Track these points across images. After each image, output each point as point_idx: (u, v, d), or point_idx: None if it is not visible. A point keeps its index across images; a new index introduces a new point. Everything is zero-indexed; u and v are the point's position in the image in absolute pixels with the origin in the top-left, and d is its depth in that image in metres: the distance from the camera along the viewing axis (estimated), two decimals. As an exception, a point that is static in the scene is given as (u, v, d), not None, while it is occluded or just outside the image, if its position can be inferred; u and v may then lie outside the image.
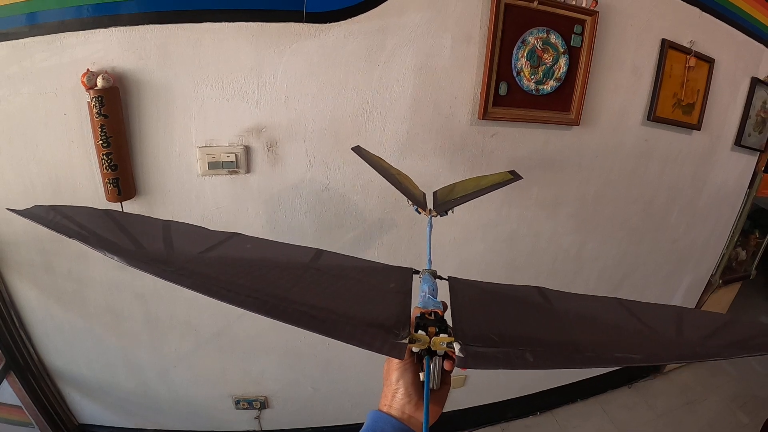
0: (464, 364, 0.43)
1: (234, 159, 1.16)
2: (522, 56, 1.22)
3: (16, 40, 1.00)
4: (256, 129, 1.16)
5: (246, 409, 1.63)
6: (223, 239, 0.50)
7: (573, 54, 1.27)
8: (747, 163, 1.88)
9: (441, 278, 0.64)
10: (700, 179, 1.76)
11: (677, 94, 1.50)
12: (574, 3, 1.22)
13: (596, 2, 1.23)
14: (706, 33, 1.47)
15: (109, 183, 1.10)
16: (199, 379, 1.55)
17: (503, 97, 1.24)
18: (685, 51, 1.44)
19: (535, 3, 1.18)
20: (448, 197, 0.97)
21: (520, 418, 1.97)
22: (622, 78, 1.39)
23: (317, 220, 1.30)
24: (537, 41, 1.22)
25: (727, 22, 1.51)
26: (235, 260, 0.49)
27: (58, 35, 1.01)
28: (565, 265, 1.68)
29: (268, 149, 1.18)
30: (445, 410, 0.53)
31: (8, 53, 1.01)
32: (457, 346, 0.43)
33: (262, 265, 0.50)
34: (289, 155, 1.20)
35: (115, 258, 0.37)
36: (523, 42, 1.21)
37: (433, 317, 0.49)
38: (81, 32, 1.01)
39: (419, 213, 0.90)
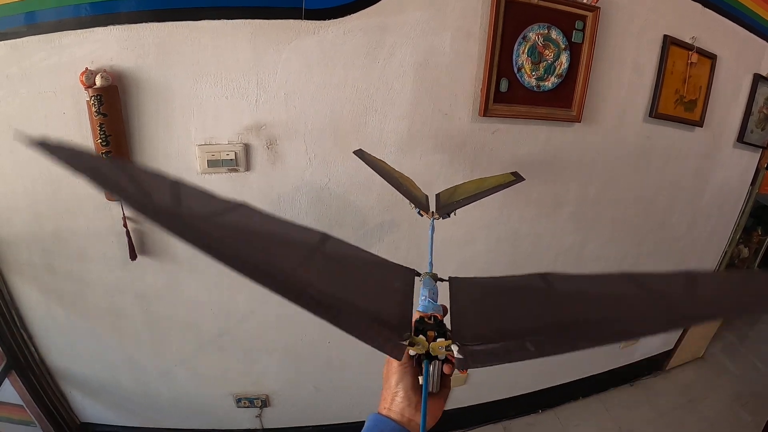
0: (464, 365, 0.43)
1: (233, 157, 1.15)
2: (523, 52, 1.21)
3: (15, 40, 1.00)
4: (255, 127, 1.15)
5: (247, 407, 1.63)
6: (231, 207, 0.48)
7: (574, 50, 1.26)
8: (749, 160, 1.87)
9: (442, 280, 0.64)
10: (702, 176, 1.75)
11: (679, 90, 1.48)
12: (575, -1, 1.21)
13: (597, -2, 1.22)
14: (709, 29, 1.46)
15: (109, 182, 1.10)
16: (200, 378, 1.55)
17: (504, 93, 1.23)
18: (688, 47, 1.43)
19: (536, -1, 1.17)
20: (450, 200, 0.97)
21: (522, 416, 1.97)
22: (623, 74, 1.38)
23: (317, 218, 1.29)
24: (538, 37, 1.21)
25: (729, 18, 1.50)
26: (242, 228, 0.46)
27: (57, 34, 1.00)
28: (567, 266, 1.67)
29: (267, 147, 1.18)
30: (446, 408, 0.53)
31: (6, 53, 1.00)
32: (455, 348, 0.43)
33: (269, 238, 0.48)
34: (288, 153, 1.20)
35: (125, 202, 0.35)
36: (524, 38, 1.20)
37: (432, 321, 0.49)
38: (79, 31, 1.01)
39: (422, 216, 0.90)
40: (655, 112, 1.46)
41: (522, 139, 1.34)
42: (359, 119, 1.19)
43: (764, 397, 2.12)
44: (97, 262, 1.27)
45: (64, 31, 1.00)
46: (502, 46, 1.19)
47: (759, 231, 2.15)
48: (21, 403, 1.46)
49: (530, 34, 1.20)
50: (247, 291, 1.37)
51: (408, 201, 0.91)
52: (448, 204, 0.95)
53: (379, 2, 1.09)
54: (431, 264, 0.75)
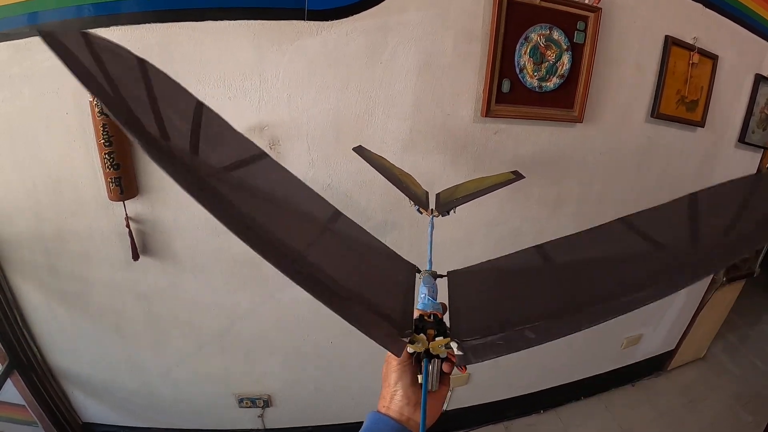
0: (465, 360, 0.43)
1: (236, 158, 1.15)
2: (525, 53, 1.21)
3: (17, 41, 1.00)
4: (258, 127, 1.15)
5: (249, 407, 1.63)
6: (252, 157, 0.47)
7: (576, 51, 1.26)
8: (751, 160, 1.87)
9: (441, 276, 0.63)
10: (703, 177, 1.75)
11: (681, 90, 1.48)
12: (577, -1, 1.21)
13: (599, -2, 1.22)
14: (710, 29, 1.46)
15: (112, 182, 1.10)
16: (202, 378, 1.55)
17: (506, 94, 1.24)
18: (689, 47, 1.43)
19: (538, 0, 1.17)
20: (450, 198, 0.97)
21: (523, 417, 1.97)
22: (625, 75, 1.38)
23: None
24: (540, 38, 1.21)
25: (730, 19, 1.50)
26: (258, 191, 0.45)
27: (60, 35, 1.00)
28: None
29: (270, 148, 1.18)
30: (448, 408, 0.53)
31: (9, 54, 1.01)
32: (454, 345, 0.43)
33: (284, 205, 0.47)
34: (291, 154, 1.20)
35: (136, 141, 0.31)
36: (526, 39, 1.20)
37: (432, 320, 0.49)
38: (82, 32, 1.01)
39: (421, 213, 0.90)
40: (656, 113, 1.46)
41: (524, 140, 1.34)
42: (361, 120, 1.19)
43: (765, 397, 2.12)
44: (99, 263, 1.27)
45: (67, 32, 1.00)
46: (504, 47, 1.19)
47: (760, 231, 2.15)
48: (23, 403, 1.46)
49: (532, 34, 1.20)
50: (249, 291, 1.38)
51: (408, 199, 0.91)
52: (447, 202, 0.95)
53: (382, 3, 1.09)
54: (431, 262, 0.74)
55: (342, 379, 1.63)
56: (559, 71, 1.26)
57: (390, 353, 0.46)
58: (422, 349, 0.45)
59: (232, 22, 1.05)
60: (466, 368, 0.46)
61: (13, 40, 1.00)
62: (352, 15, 1.09)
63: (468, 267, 0.59)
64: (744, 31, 1.54)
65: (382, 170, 0.97)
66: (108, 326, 1.40)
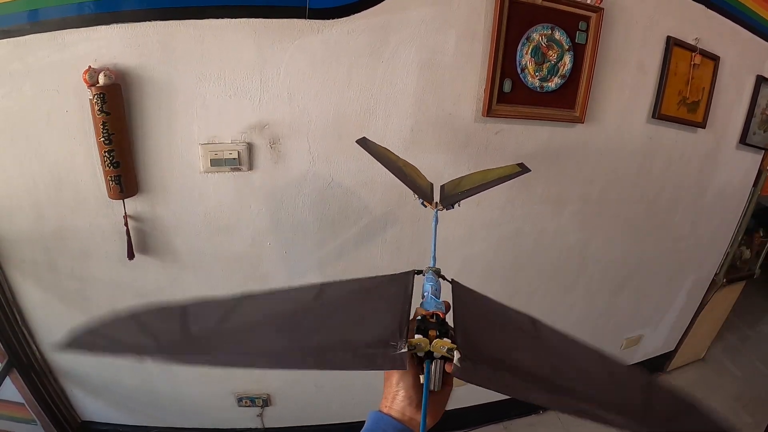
0: (459, 375, 0.43)
1: (236, 156, 1.15)
2: (526, 53, 1.21)
3: (18, 38, 0.99)
4: (258, 126, 1.15)
5: (248, 406, 1.63)
6: (234, 305, 0.53)
7: (578, 51, 1.26)
8: (752, 161, 1.87)
9: (444, 278, 0.63)
10: (704, 178, 1.75)
11: (682, 91, 1.48)
12: (578, -1, 1.21)
13: (601, -1, 1.22)
14: (712, 30, 1.46)
15: (111, 180, 1.10)
16: (202, 377, 1.55)
17: (507, 94, 1.23)
18: (691, 48, 1.43)
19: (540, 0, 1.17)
20: (455, 191, 0.96)
21: (523, 417, 1.97)
22: (627, 75, 1.38)
23: (320, 217, 1.29)
24: (542, 38, 1.21)
25: (732, 20, 1.50)
26: (246, 325, 0.51)
27: (60, 32, 1.00)
28: (569, 264, 1.67)
29: (270, 146, 1.18)
30: (447, 408, 0.53)
31: (10, 51, 1.00)
32: (456, 355, 0.43)
33: (269, 321, 0.52)
34: (292, 152, 1.20)
35: (143, 358, 0.43)
36: (528, 39, 1.20)
37: (434, 320, 0.49)
38: (82, 29, 1.00)
39: (425, 206, 0.89)
40: (657, 113, 1.46)
41: (525, 140, 1.34)
42: (363, 118, 1.19)
43: (765, 398, 2.12)
44: (99, 260, 1.27)
45: (68, 29, 1.00)
46: (505, 47, 1.19)
47: (761, 233, 2.15)
48: (22, 401, 1.45)
49: (534, 34, 1.20)
50: (249, 289, 1.37)
51: (411, 192, 0.90)
52: (452, 195, 0.94)
53: (384, 1, 1.09)
54: (434, 258, 0.74)
55: (342, 378, 1.63)
56: (560, 71, 1.26)
57: None
58: (424, 351, 0.45)
59: (234, 20, 1.04)
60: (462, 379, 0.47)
61: (13, 37, 0.99)
62: (354, 13, 1.08)
63: (473, 290, 0.60)
64: (745, 32, 1.55)
65: (386, 162, 0.97)
66: (107, 324, 1.39)
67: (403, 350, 0.43)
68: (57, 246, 1.24)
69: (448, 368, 0.47)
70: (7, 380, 1.38)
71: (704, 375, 2.28)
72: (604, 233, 1.66)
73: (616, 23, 1.29)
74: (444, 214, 0.89)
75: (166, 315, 0.52)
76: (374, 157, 1.00)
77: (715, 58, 1.51)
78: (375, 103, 1.18)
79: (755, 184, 1.92)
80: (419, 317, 0.49)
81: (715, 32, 1.47)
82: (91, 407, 1.61)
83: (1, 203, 1.18)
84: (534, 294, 1.69)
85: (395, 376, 0.49)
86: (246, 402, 1.61)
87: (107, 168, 1.08)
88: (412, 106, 1.20)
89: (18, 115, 1.06)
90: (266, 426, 1.70)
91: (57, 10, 0.99)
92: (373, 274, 0.61)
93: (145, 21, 1.02)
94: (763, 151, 1.86)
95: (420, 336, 0.45)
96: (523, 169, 1.04)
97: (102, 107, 1.02)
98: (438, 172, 1.29)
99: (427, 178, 1.10)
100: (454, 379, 0.48)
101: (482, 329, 0.52)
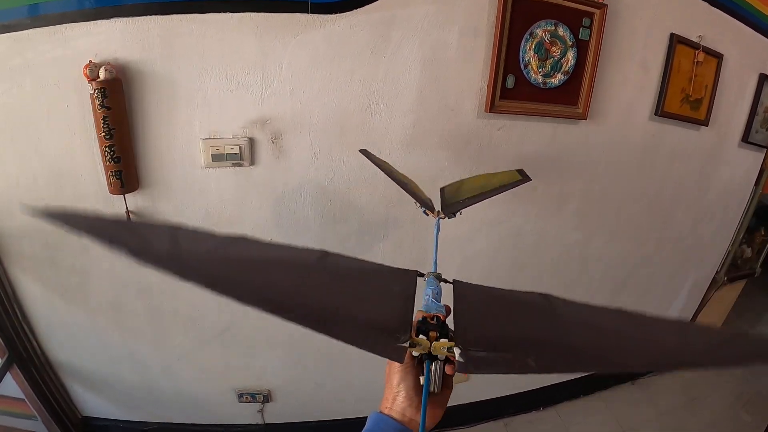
0: (464, 369, 0.43)
1: (238, 151, 1.15)
2: (530, 49, 1.20)
3: (18, 32, 0.99)
4: (260, 121, 1.15)
5: (249, 402, 1.63)
6: (230, 241, 0.50)
7: (581, 47, 1.25)
8: (754, 160, 1.86)
9: (446, 281, 0.64)
10: (706, 176, 1.75)
11: (685, 89, 1.48)
12: (582, -5, 1.20)
13: (605, -6, 1.21)
14: (715, 28, 1.45)
15: (112, 175, 1.09)
16: (203, 373, 1.55)
17: (510, 90, 1.23)
18: (694, 46, 1.43)
19: (543, -5, 1.16)
20: (455, 196, 0.96)
21: (523, 414, 1.97)
22: (630, 72, 1.37)
23: (321, 212, 1.29)
24: (545, 34, 1.20)
25: (736, 18, 1.49)
26: (241, 259, 0.49)
27: (60, 27, 1.00)
28: (570, 263, 1.67)
29: (272, 141, 1.17)
30: (447, 405, 0.53)
31: (10, 45, 1.00)
32: (457, 351, 0.43)
33: (268, 264, 0.50)
34: (293, 148, 1.19)
35: (124, 252, 0.37)
36: (531, 34, 1.19)
37: (434, 321, 0.49)
38: (83, 23, 1.00)
39: (427, 215, 0.89)
40: (660, 111, 1.45)
41: (528, 136, 1.33)
42: (365, 114, 1.19)
43: (765, 397, 2.12)
44: (99, 256, 1.27)
45: (68, 24, 1.00)
46: (509, 42, 1.18)
47: (762, 231, 2.15)
48: (22, 396, 1.45)
49: (537, 30, 1.19)
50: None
51: (414, 200, 0.91)
52: (453, 203, 0.94)
53: (386, -4, 1.09)
54: (435, 263, 0.74)
55: (342, 375, 1.63)
56: (563, 68, 1.26)
57: None
58: (424, 352, 0.45)
59: (235, 14, 1.04)
60: (467, 374, 0.46)
61: (13, 31, 0.99)
62: (357, 8, 1.08)
63: (474, 283, 0.60)
64: (749, 30, 1.54)
65: (388, 173, 0.97)
66: (108, 320, 1.39)
67: (404, 344, 0.43)
68: (57, 241, 1.24)
69: (449, 370, 0.48)
70: (8, 376, 1.38)
71: (705, 373, 2.28)
72: (606, 230, 1.66)
73: (619, 20, 1.28)
74: (445, 220, 0.89)
75: (157, 228, 0.50)
76: (376, 166, 1.00)
77: (718, 56, 1.50)
78: (377, 98, 1.17)
79: (757, 183, 1.92)
80: (420, 319, 0.49)
81: (719, 30, 1.46)
82: (91, 403, 1.61)
83: (1, 198, 1.17)
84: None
85: (396, 377, 0.50)
86: (246, 398, 1.61)
87: (108, 163, 1.08)
88: (415, 101, 1.20)
89: (18, 110, 1.06)
90: (267, 422, 1.70)
91: (57, 4, 0.98)
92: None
93: (146, 15, 1.01)
94: (766, 149, 1.85)
95: (422, 337, 0.46)
96: (524, 177, 1.04)
97: (103, 102, 1.02)
98: (440, 167, 1.29)
99: (428, 176, 1.10)
100: (456, 376, 0.48)
101: (484, 319, 0.52)
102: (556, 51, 1.23)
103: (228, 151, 1.15)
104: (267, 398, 1.63)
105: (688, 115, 1.53)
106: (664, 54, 1.40)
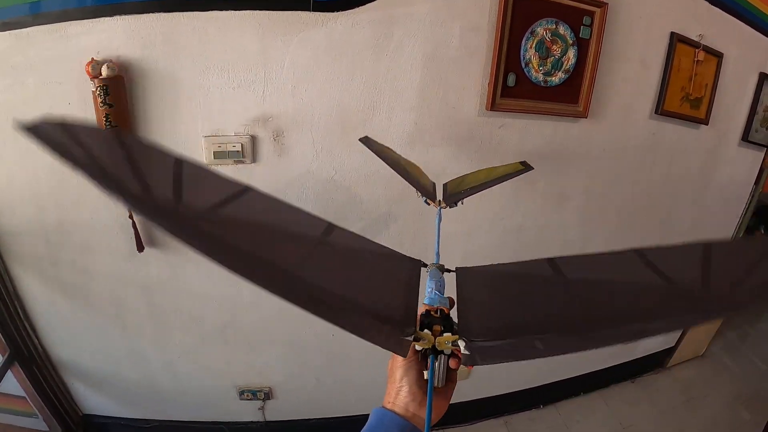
0: (471, 361, 0.42)
1: (240, 149, 1.15)
2: (531, 47, 1.21)
3: (20, 30, 0.99)
4: (262, 118, 1.15)
5: (250, 399, 1.63)
6: (235, 193, 0.47)
7: (582, 46, 1.26)
8: (754, 159, 1.87)
9: (449, 271, 0.63)
10: (706, 174, 1.75)
11: (685, 88, 1.48)
12: (583, -7, 1.20)
13: (606, -7, 1.22)
14: (715, 27, 1.45)
15: (114, 173, 1.09)
16: (203, 370, 1.55)
17: (511, 88, 1.23)
18: (694, 45, 1.43)
19: (544, -7, 1.16)
20: (458, 189, 0.96)
21: (523, 411, 1.97)
22: (630, 71, 1.38)
23: (323, 210, 1.29)
24: (546, 32, 1.20)
25: (736, 17, 1.49)
26: (245, 223, 0.46)
27: (62, 24, 1.00)
28: (570, 260, 1.67)
29: (274, 139, 1.18)
30: (450, 400, 0.52)
31: (12, 43, 1.00)
32: (462, 344, 0.42)
33: (273, 231, 0.48)
34: (295, 145, 1.19)
35: (121, 200, 0.33)
36: (532, 33, 1.20)
37: (438, 315, 0.48)
38: (85, 21, 1.00)
39: (428, 204, 0.89)
40: (660, 109, 1.46)
41: (528, 134, 1.34)
42: (366, 112, 1.19)
43: (765, 396, 2.12)
44: (101, 254, 1.27)
45: (70, 21, 1.00)
46: (510, 41, 1.18)
47: (762, 230, 2.15)
48: (23, 394, 1.46)
49: (538, 28, 1.20)
50: (250, 284, 1.37)
51: (414, 189, 0.90)
52: (455, 193, 0.94)
53: (388, -6, 1.09)
54: (438, 254, 0.73)
55: (344, 372, 1.63)
56: (564, 66, 1.26)
57: None
58: (428, 346, 0.45)
59: (237, 12, 1.04)
60: (472, 365, 0.45)
61: (15, 29, 0.99)
62: (358, 6, 1.08)
63: (477, 266, 0.58)
64: (749, 29, 1.54)
65: (389, 161, 0.97)
66: (109, 318, 1.39)
67: (408, 337, 0.43)
68: (59, 239, 1.24)
69: (453, 364, 0.47)
70: (9, 374, 1.38)
71: (704, 372, 2.29)
72: (605, 229, 1.66)
73: (620, 18, 1.28)
74: (446, 210, 0.89)
75: (160, 157, 0.44)
76: (377, 156, 1.00)
77: (718, 55, 1.50)
78: (379, 96, 1.18)
79: (756, 182, 1.92)
80: (423, 312, 0.49)
81: (719, 29, 1.46)
82: (92, 400, 1.61)
83: (3, 196, 1.17)
84: (535, 290, 1.69)
85: (399, 371, 0.49)
86: (247, 395, 1.61)
87: (110, 160, 1.08)
88: (416, 99, 1.20)
89: (20, 107, 1.06)
90: (268, 419, 1.71)
91: (59, 1, 0.99)
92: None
93: (148, 13, 1.01)
94: (765, 148, 1.86)
95: (426, 331, 0.45)
96: (526, 167, 1.04)
97: (105, 99, 1.02)
98: (441, 165, 1.29)
99: (430, 173, 1.10)
100: (458, 369, 0.48)
101: (492, 303, 0.51)
102: (556, 49, 1.23)
103: (230, 148, 1.15)
104: (268, 395, 1.63)
105: (688, 113, 1.53)
106: (664, 53, 1.40)
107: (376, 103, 1.18)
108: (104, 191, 0.33)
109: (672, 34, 1.38)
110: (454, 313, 0.51)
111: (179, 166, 0.45)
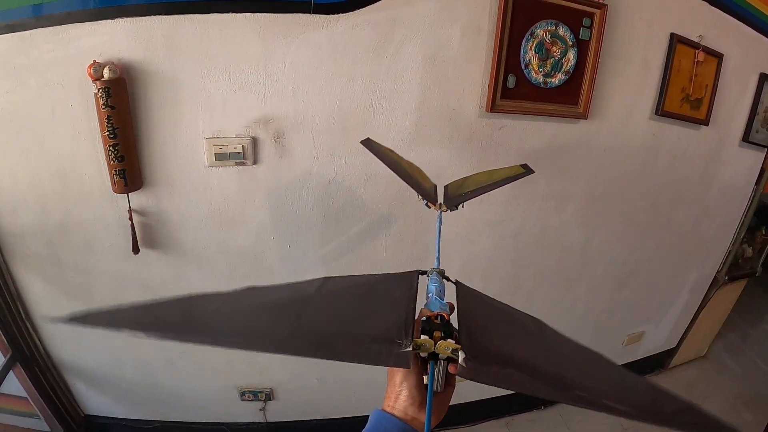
0: (465, 375, 0.43)
1: (241, 150, 1.16)
2: (530, 49, 1.21)
3: (23, 32, 0.99)
4: (263, 120, 1.15)
5: (251, 400, 1.63)
6: (237, 294, 0.53)
7: (582, 47, 1.26)
8: (754, 159, 1.87)
9: (448, 280, 0.63)
10: (707, 175, 1.75)
11: (686, 88, 1.48)
12: (583, -5, 1.21)
13: (605, -6, 1.22)
14: (715, 28, 1.45)
15: (116, 174, 1.10)
16: (205, 371, 1.55)
17: (511, 89, 1.23)
18: (694, 45, 1.43)
19: (544, -5, 1.17)
20: (458, 191, 0.96)
21: (525, 412, 1.97)
22: (630, 72, 1.38)
23: (324, 211, 1.30)
24: (546, 34, 1.21)
25: (736, 18, 1.49)
26: (247, 310, 0.51)
27: (65, 26, 1.00)
28: (571, 261, 1.67)
29: (275, 141, 1.18)
30: (449, 403, 0.53)
31: (15, 45, 1.00)
32: (461, 355, 0.43)
33: (271, 306, 0.53)
34: (296, 147, 1.20)
35: (138, 333, 0.42)
36: (532, 34, 1.20)
37: (438, 321, 0.48)
38: (87, 23, 1.01)
39: (429, 208, 0.89)
40: (661, 110, 1.46)
41: (528, 135, 1.34)
42: (367, 113, 1.19)
43: (766, 396, 2.12)
44: (103, 254, 1.27)
45: (73, 23, 1.00)
46: (510, 42, 1.19)
47: (763, 230, 2.15)
48: (25, 395, 1.46)
49: (538, 30, 1.20)
50: (252, 283, 1.37)
51: (415, 193, 0.91)
52: (456, 196, 0.94)
53: (388, -5, 1.09)
54: (438, 259, 0.74)
55: (344, 373, 1.64)
56: (564, 67, 1.26)
57: None
58: (428, 352, 0.45)
59: (239, 14, 1.04)
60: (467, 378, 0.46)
61: (18, 31, 0.99)
62: (359, 8, 1.08)
63: (475, 290, 0.60)
64: (749, 29, 1.54)
65: (390, 163, 0.97)
66: (111, 319, 1.39)
67: (407, 349, 0.44)
68: (61, 240, 1.25)
69: (452, 369, 0.47)
70: (11, 374, 1.39)
71: (705, 372, 2.29)
72: (606, 230, 1.66)
73: (620, 20, 1.29)
74: (447, 213, 0.89)
75: (168, 303, 0.52)
76: (378, 158, 1.00)
77: (718, 56, 1.51)
78: (379, 98, 1.18)
79: (758, 182, 1.92)
80: (424, 318, 0.49)
81: (719, 30, 1.46)
82: (94, 401, 1.62)
83: (5, 197, 1.18)
84: (536, 291, 1.69)
85: (398, 375, 0.49)
86: (248, 396, 1.62)
87: (112, 162, 1.09)
88: (416, 101, 1.20)
89: (23, 109, 1.07)
90: (269, 420, 1.71)
91: (61, 4, 0.99)
92: (377, 269, 0.62)
93: (150, 15, 1.02)
94: (766, 149, 1.85)
95: (425, 337, 0.45)
96: (527, 170, 1.04)
97: (107, 101, 1.02)
98: (441, 167, 1.29)
99: (431, 174, 1.10)
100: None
101: (487, 328, 0.52)
102: (556, 51, 1.24)
103: (231, 150, 1.15)
104: (269, 396, 1.64)
105: (688, 114, 1.53)
106: (664, 54, 1.40)
107: (377, 105, 1.19)
108: (129, 334, 0.43)
109: (672, 34, 1.38)
110: (454, 318, 0.51)
111: (185, 299, 0.51)
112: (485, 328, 0.52)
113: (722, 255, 2.08)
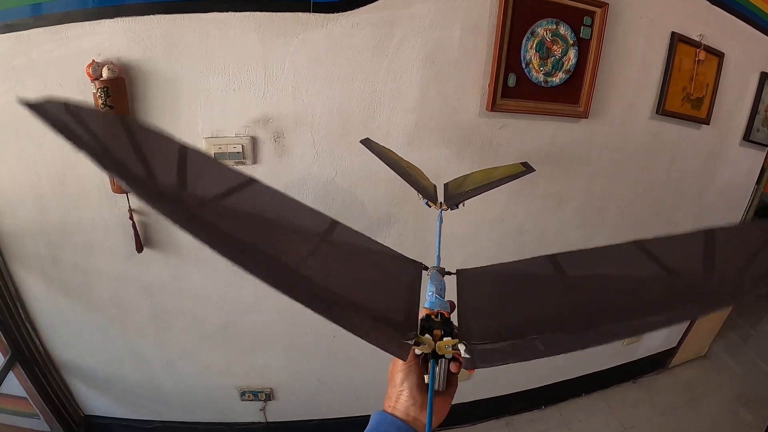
0: (472, 365, 0.42)
1: (240, 150, 1.15)
2: (531, 48, 1.20)
3: (21, 32, 0.99)
4: (262, 120, 1.15)
5: (251, 400, 1.63)
6: (240, 184, 0.47)
7: (582, 46, 1.25)
8: (755, 159, 1.86)
9: (449, 273, 0.62)
10: (708, 174, 1.75)
11: (686, 87, 1.48)
12: (583, -6, 1.20)
13: (606, -7, 1.21)
14: (716, 27, 1.45)
15: (116, 174, 1.09)
16: (205, 371, 1.55)
17: (512, 88, 1.23)
18: (695, 44, 1.43)
19: (545, -7, 1.16)
20: (459, 190, 0.96)
21: (525, 412, 1.97)
22: (631, 71, 1.37)
23: (324, 211, 1.28)
24: (546, 33, 1.20)
25: (737, 16, 1.49)
26: (249, 215, 0.45)
27: (63, 26, 1.00)
28: (571, 261, 1.67)
29: (274, 140, 1.18)
30: (451, 404, 0.52)
31: (13, 45, 1.00)
32: (462, 348, 0.42)
33: (277, 224, 0.47)
34: (295, 146, 1.19)
35: (124, 184, 0.33)
36: (533, 33, 1.19)
37: (439, 319, 0.48)
38: (86, 23, 1.01)
39: (429, 206, 0.89)
40: (661, 109, 1.45)
41: (529, 135, 1.34)
42: (367, 112, 1.19)
43: (766, 396, 2.11)
44: (102, 254, 1.27)
45: (71, 23, 1.00)
46: (510, 41, 1.18)
47: (763, 230, 2.14)
48: (25, 395, 1.46)
49: (538, 29, 1.20)
50: (253, 283, 1.37)
51: (415, 191, 0.90)
52: (456, 194, 0.94)
53: (388, -6, 1.09)
54: (439, 258, 0.73)
55: (345, 373, 1.63)
56: (565, 66, 1.26)
57: None
58: (429, 350, 0.45)
59: (238, 13, 1.04)
60: (473, 369, 0.45)
61: (16, 31, 0.99)
62: (358, 7, 1.08)
63: (477, 267, 0.58)
64: (750, 28, 1.54)
65: (390, 163, 0.97)
66: (111, 318, 1.40)
67: (410, 341, 0.43)
68: (60, 240, 1.25)
69: (453, 368, 0.47)
70: (11, 374, 1.39)
71: (706, 372, 2.28)
72: (607, 229, 1.66)
73: (620, 18, 1.28)
74: (447, 211, 0.89)
75: (165, 144, 0.44)
76: (378, 158, 1.00)
77: (719, 55, 1.50)
78: (379, 97, 1.18)
79: (758, 182, 1.92)
80: (423, 317, 0.49)
81: (720, 29, 1.46)
82: (93, 401, 1.62)
83: (4, 197, 1.18)
84: (536, 290, 1.69)
85: (399, 375, 0.49)
86: (249, 396, 1.62)
87: (111, 162, 1.08)
88: (417, 100, 1.20)
89: (21, 109, 1.06)
90: (269, 420, 1.71)
91: (60, 3, 0.99)
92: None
93: (148, 14, 1.02)
94: (767, 148, 1.85)
95: (426, 335, 0.45)
96: (527, 168, 1.03)
97: (106, 101, 1.02)
98: (442, 166, 1.29)
99: (431, 173, 1.10)
100: (459, 372, 0.48)
101: (492, 305, 0.51)
102: (557, 50, 1.23)
103: (231, 149, 1.15)
104: (269, 396, 1.64)
105: (689, 113, 1.53)
106: (665, 53, 1.40)
107: (377, 104, 1.18)
108: (107, 172, 0.33)
109: (673, 33, 1.38)
110: (454, 317, 0.51)
111: (183, 153, 0.44)
112: (487, 308, 0.51)
113: (723, 254, 2.07)
